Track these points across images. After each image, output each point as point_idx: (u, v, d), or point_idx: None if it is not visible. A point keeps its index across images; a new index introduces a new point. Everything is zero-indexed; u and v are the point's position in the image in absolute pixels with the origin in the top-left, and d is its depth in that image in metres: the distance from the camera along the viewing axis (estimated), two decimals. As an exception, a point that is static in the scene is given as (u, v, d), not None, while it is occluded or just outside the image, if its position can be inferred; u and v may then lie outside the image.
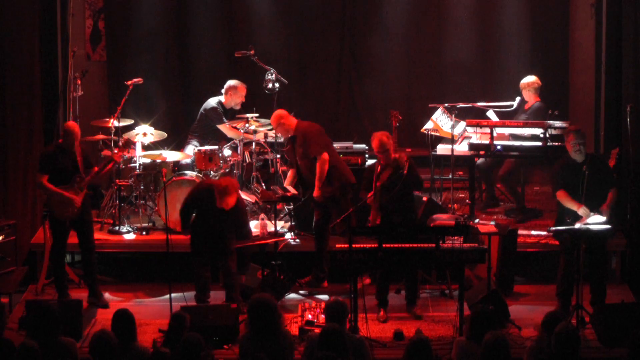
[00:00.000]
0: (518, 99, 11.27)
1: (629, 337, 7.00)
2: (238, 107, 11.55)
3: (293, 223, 10.83)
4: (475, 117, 11.19)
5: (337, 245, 8.83)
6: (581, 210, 9.07)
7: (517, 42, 12.64)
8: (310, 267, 10.22)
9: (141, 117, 11.68)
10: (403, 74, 12.95)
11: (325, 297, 9.86)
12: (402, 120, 10.24)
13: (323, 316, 8.64)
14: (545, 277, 10.12)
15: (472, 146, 10.84)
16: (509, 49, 12.68)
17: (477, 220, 10.53)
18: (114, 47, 12.83)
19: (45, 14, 11.39)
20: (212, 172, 11.01)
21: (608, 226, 9.02)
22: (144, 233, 10.80)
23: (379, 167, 9.38)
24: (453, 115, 10.96)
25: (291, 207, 10.90)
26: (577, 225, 8.98)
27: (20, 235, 10.43)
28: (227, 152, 11.31)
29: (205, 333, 7.64)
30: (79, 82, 11.39)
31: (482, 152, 10.87)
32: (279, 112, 10.24)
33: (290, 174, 10.45)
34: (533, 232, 10.70)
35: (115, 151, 10.20)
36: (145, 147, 11.15)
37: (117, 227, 10.81)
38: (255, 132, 11.12)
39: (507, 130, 10.88)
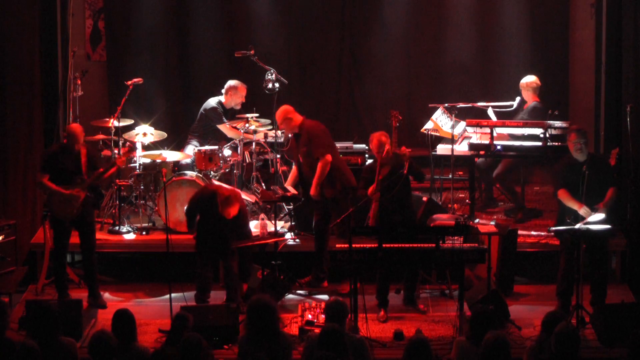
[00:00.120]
0: (518, 99, 11.28)
1: (629, 337, 6.99)
2: (238, 107, 11.55)
3: (293, 223, 10.83)
4: (475, 117, 11.19)
5: (337, 245, 8.84)
6: (582, 210, 9.06)
7: (517, 42, 12.65)
8: (310, 267, 10.23)
9: (141, 117, 11.69)
10: (403, 74, 12.95)
11: (325, 297, 9.86)
12: (402, 120, 10.22)
13: (323, 316, 8.64)
14: (545, 277, 10.12)
15: (472, 146, 10.84)
16: (509, 49, 12.69)
17: (477, 220, 10.53)
18: (114, 47, 12.83)
19: (45, 14, 11.39)
20: (212, 172, 11.01)
21: (608, 226, 9.02)
22: (144, 233, 10.80)
23: (379, 165, 9.38)
24: (453, 115, 10.96)
25: (291, 207, 10.90)
26: (578, 225, 8.97)
27: (20, 235, 10.43)
28: (227, 152, 11.31)
29: (205, 333, 7.64)
30: (79, 82, 11.39)
31: (482, 152, 10.88)
32: (286, 107, 10.24)
33: (292, 172, 10.45)
34: (533, 232, 10.70)
35: (118, 152, 10.19)
36: (145, 147, 11.15)
37: (117, 227, 10.81)
38: (255, 132, 11.12)
39: (507, 130, 10.89)
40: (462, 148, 11.05)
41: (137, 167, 10.97)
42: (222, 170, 11.13)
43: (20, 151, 10.79)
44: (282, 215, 11.05)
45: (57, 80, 11.74)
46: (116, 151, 10.90)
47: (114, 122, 11.00)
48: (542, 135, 10.57)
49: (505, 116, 11.19)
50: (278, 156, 11.14)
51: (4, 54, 10.68)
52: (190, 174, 10.90)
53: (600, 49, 12.06)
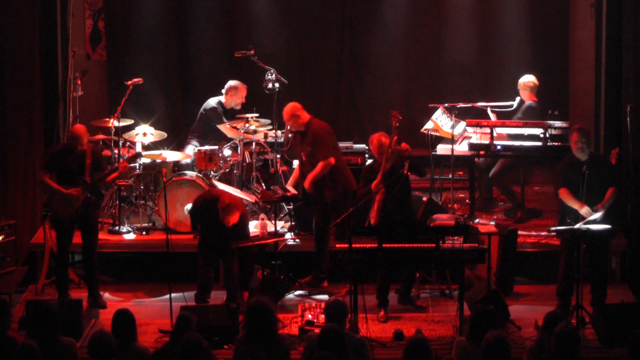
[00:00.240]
0: (518, 99, 11.28)
1: (629, 337, 6.99)
2: (238, 107, 11.55)
3: (293, 223, 10.83)
4: (475, 117, 11.19)
5: (337, 245, 8.84)
6: (583, 210, 9.06)
7: (517, 42, 12.65)
8: (310, 267, 10.22)
9: (141, 117, 11.69)
10: (403, 74, 12.95)
11: (325, 297, 9.86)
12: (402, 120, 10.21)
13: (323, 316, 8.64)
14: (545, 277, 10.12)
15: (472, 146, 10.84)
16: (509, 49, 12.69)
17: (477, 220, 10.53)
18: (114, 47, 12.84)
19: (45, 14, 11.40)
20: (212, 172, 11.01)
21: (608, 226, 9.02)
22: (144, 233, 10.80)
23: (384, 160, 9.37)
24: (453, 115, 10.96)
25: (291, 207, 10.90)
26: (578, 225, 8.97)
27: (20, 235, 10.42)
28: (227, 152, 11.31)
29: (205, 333, 7.64)
30: (79, 82, 11.40)
31: (482, 152, 10.88)
32: (295, 104, 10.23)
33: (295, 172, 10.44)
34: (533, 232, 10.70)
35: (119, 154, 10.19)
36: (145, 147, 11.14)
37: (117, 227, 10.81)
38: (255, 132, 11.11)
39: (506, 131, 10.89)
40: (462, 148, 11.05)
41: (137, 167, 10.96)
42: (222, 170, 11.13)
43: (20, 151, 10.79)
44: (282, 215, 11.05)
45: (57, 80, 11.75)
46: (116, 151, 10.91)
47: (114, 122, 10.99)
48: (542, 136, 10.57)
49: (504, 116, 11.20)
50: (278, 156, 11.14)
51: (4, 54, 10.67)
52: (190, 174, 10.89)
53: (600, 49, 12.05)
